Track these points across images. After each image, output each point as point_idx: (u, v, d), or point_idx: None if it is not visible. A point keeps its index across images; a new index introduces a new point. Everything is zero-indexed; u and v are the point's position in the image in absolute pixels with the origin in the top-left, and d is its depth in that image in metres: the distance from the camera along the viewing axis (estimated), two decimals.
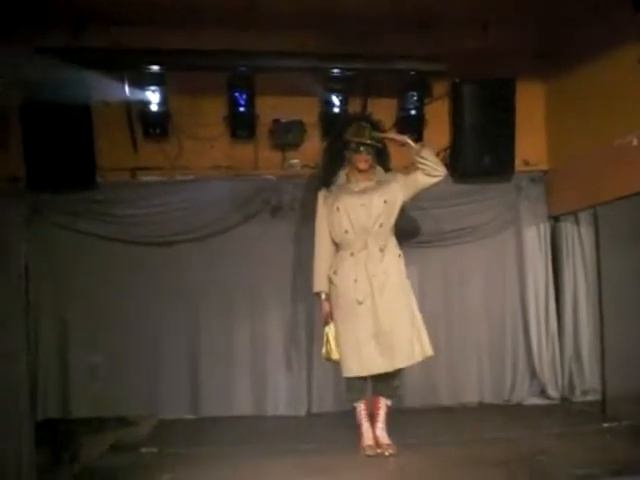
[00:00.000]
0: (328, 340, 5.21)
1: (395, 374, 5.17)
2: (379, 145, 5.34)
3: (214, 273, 7.03)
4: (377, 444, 5.19)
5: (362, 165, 5.27)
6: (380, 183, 5.25)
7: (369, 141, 5.28)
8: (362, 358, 5.04)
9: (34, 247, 6.68)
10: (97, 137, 6.65)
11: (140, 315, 6.92)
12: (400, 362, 5.11)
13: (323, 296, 5.30)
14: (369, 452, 5.13)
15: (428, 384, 7.03)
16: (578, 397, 7.24)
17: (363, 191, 5.23)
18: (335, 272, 5.18)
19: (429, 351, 5.22)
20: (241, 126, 6.89)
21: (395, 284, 5.12)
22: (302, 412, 6.99)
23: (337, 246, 5.26)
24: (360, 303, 5.04)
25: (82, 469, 4.96)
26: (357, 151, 5.27)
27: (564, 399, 7.27)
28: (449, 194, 6.97)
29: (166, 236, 6.97)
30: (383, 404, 5.24)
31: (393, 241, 5.26)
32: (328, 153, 5.58)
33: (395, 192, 5.20)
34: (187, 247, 7.01)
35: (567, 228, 7.40)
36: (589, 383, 7.22)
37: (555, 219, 7.43)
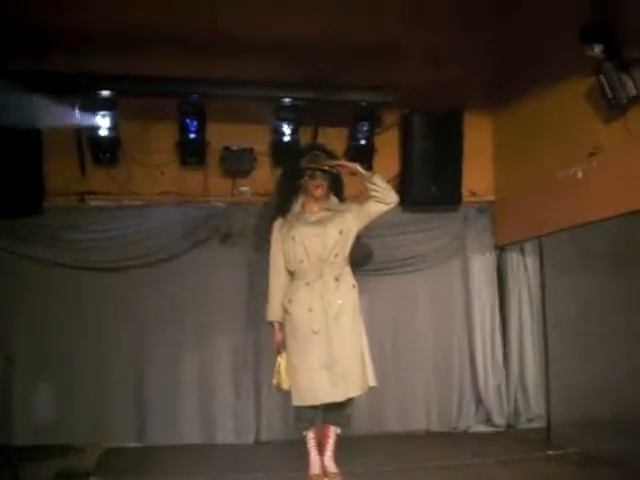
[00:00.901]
0: (279, 370, 5.19)
1: (347, 403, 5.16)
2: (333, 171, 5.36)
3: (162, 299, 6.98)
4: (324, 473, 5.17)
5: (317, 192, 5.27)
6: (335, 213, 5.27)
7: (324, 167, 5.31)
8: (314, 387, 5.02)
9: None
10: (45, 161, 6.59)
11: (86, 341, 6.82)
12: (353, 391, 5.10)
13: (276, 325, 5.28)
14: None
15: (375, 411, 7.04)
16: (523, 424, 7.33)
17: (318, 221, 5.24)
18: (290, 301, 5.16)
19: (372, 382, 5.23)
20: (191, 153, 6.89)
21: (349, 314, 5.12)
22: (250, 440, 6.96)
23: (292, 275, 5.26)
24: (315, 333, 5.03)
25: None
26: (312, 177, 5.27)
27: (510, 426, 7.35)
28: (397, 223, 7.03)
29: (114, 262, 6.91)
30: (333, 433, 5.22)
31: (348, 271, 5.27)
32: (283, 182, 5.58)
33: (350, 222, 5.22)
34: (135, 273, 6.95)
35: (513, 258, 7.53)
36: (534, 410, 7.32)
37: (501, 249, 7.55)
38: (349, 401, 5.15)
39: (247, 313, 6.94)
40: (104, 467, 5.88)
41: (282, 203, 5.42)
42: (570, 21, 5.70)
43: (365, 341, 5.23)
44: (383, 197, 5.19)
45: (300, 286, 5.15)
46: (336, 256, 5.15)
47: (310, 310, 5.06)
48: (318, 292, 5.09)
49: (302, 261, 5.15)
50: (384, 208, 5.22)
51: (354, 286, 5.24)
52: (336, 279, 5.14)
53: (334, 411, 5.16)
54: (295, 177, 5.37)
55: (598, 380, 6.06)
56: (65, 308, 6.82)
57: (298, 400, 5.08)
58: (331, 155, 5.49)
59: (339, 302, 5.10)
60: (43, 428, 6.59)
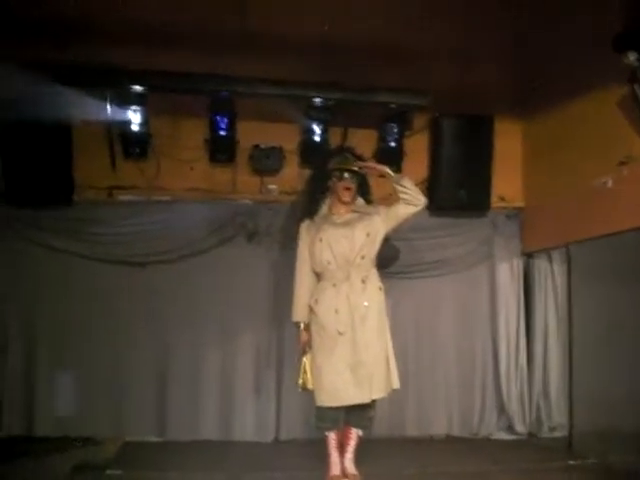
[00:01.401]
0: (305, 370, 5.19)
1: (370, 405, 5.16)
2: (362, 173, 5.37)
3: (186, 295, 7.00)
4: (344, 474, 5.17)
5: (345, 194, 5.28)
6: (362, 215, 5.27)
7: (353, 168, 5.31)
8: (338, 388, 5.02)
9: (6, 262, 6.65)
10: (76, 155, 6.61)
11: (109, 335, 6.85)
12: (376, 393, 5.10)
13: (302, 326, 5.28)
14: None
15: (397, 415, 7.03)
16: (545, 433, 7.26)
17: (345, 223, 5.24)
18: (316, 301, 5.17)
19: (396, 384, 5.22)
20: (221, 150, 6.91)
21: (375, 316, 5.12)
22: (269, 439, 6.96)
23: (319, 276, 5.26)
24: (341, 334, 5.03)
25: None
26: (341, 178, 5.28)
27: (531, 435, 7.29)
28: (425, 227, 7.00)
29: (140, 256, 6.93)
30: (355, 434, 5.22)
31: (375, 273, 5.27)
32: (312, 183, 5.60)
33: (377, 225, 5.21)
34: (161, 268, 6.97)
35: (540, 265, 7.47)
36: (556, 419, 7.24)
37: (529, 256, 7.50)
38: (372, 403, 5.16)
39: (271, 312, 6.94)
40: (122, 460, 5.93)
41: (310, 204, 5.43)
42: (603, 29, 5.66)
43: (390, 344, 5.23)
44: (411, 199, 5.18)
45: (327, 287, 5.16)
46: (363, 258, 5.15)
47: (336, 311, 5.07)
48: (345, 293, 5.10)
49: (329, 262, 5.15)
50: (412, 210, 5.21)
51: (380, 288, 5.24)
52: (363, 281, 5.14)
53: (357, 413, 5.15)
54: (324, 178, 5.38)
55: (622, 391, 6.01)
56: (89, 301, 6.85)
57: (321, 400, 5.08)
58: (359, 157, 5.50)
59: (365, 304, 5.10)
60: (64, 420, 6.64)
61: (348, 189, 5.31)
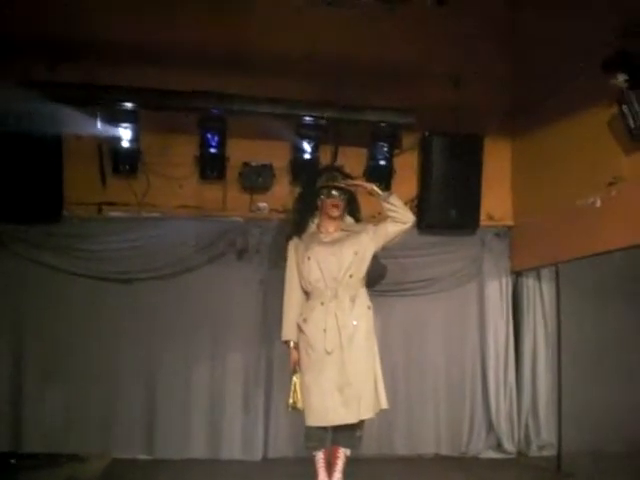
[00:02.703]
0: (295, 389, 5.17)
1: (358, 425, 5.13)
2: (350, 190, 5.37)
3: (175, 312, 6.98)
4: None
5: (334, 211, 5.27)
6: (350, 234, 5.26)
7: (341, 186, 5.31)
8: (326, 408, 5.00)
9: None
10: (66, 171, 6.60)
11: (97, 351, 6.83)
12: (364, 413, 5.08)
13: (292, 344, 5.27)
14: None
15: (385, 434, 7.03)
16: (534, 452, 7.27)
17: (334, 241, 5.24)
18: (305, 320, 5.15)
19: (384, 404, 5.21)
20: (211, 167, 6.90)
21: (363, 336, 5.10)
22: (258, 457, 6.94)
23: (307, 295, 5.25)
24: (329, 353, 5.02)
25: None
26: (329, 196, 5.28)
27: (520, 453, 7.29)
28: (414, 245, 7.01)
29: (129, 273, 6.93)
30: (342, 454, 5.18)
31: (363, 292, 5.26)
32: (300, 201, 5.59)
33: (365, 243, 5.21)
34: (150, 285, 6.96)
35: (529, 284, 7.50)
36: (545, 438, 7.27)
37: (517, 274, 7.53)
38: (360, 423, 5.12)
39: (260, 330, 6.94)
40: (109, 477, 5.90)
41: (299, 222, 5.42)
42: (592, 50, 5.70)
43: (378, 363, 5.21)
44: (400, 217, 5.18)
45: (315, 306, 5.14)
46: (351, 277, 5.14)
47: (324, 330, 5.05)
48: (333, 312, 5.07)
49: (317, 281, 5.14)
50: (401, 228, 5.21)
51: (369, 307, 5.22)
52: (351, 300, 5.13)
53: (344, 432, 5.13)
54: (312, 197, 5.38)
55: (611, 410, 6.02)
56: (78, 317, 6.83)
57: (310, 420, 5.06)
58: (348, 176, 5.51)
59: (354, 323, 5.08)
60: (51, 436, 6.61)
61: (336, 206, 5.31)
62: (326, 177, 5.40)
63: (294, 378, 5.18)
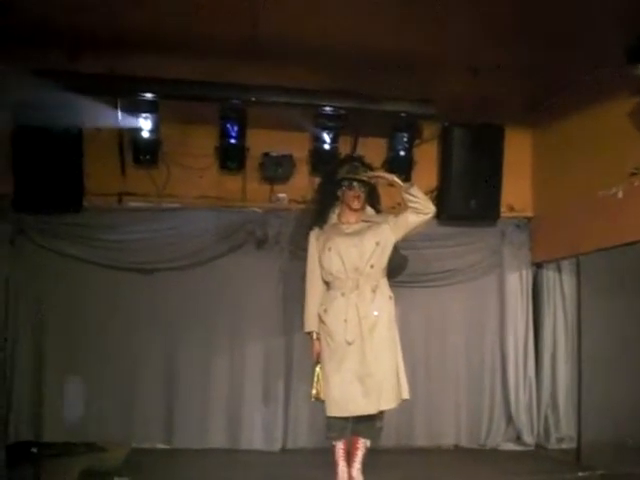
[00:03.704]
0: (318, 380, 5.17)
1: (378, 416, 5.12)
2: (371, 182, 5.36)
3: (195, 303, 7.01)
4: None
5: (355, 203, 5.25)
6: (371, 225, 5.25)
7: (362, 178, 5.30)
8: (346, 398, 4.99)
9: (16, 267, 6.67)
10: (86, 161, 6.64)
11: (118, 341, 6.87)
12: (385, 404, 5.06)
13: (314, 335, 5.26)
14: None
15: (405, 425, 7.02)
16: (553, 444, 7.25)
17: (355, 232, 5.22)
18: (325, 311, 5.14)
19: (406, 394, 5.20)
20: (231, 158, 6.91)
21: (384, 326, 5.09)
22: (277, 447, 6.96)
23: (328, 285, 5.24)
24: (349, 344, 5.01)
25: None
26: (350, 187, 5.27)
27: (539, 446, 7.27)
28: (434, 236, 6.99)
29: (149, 263, 6.95)
30: (362, 445, 5.18)
31: (385, 282, 5.24)
32: (321, 192, 5.58)
33: (386, 233, 5.19)
34: (170, 275, 6.99)
35: (549, 275, 7.47)
36: (565, 431, 7.24)
37: (538, 266, 7.49)
38: (380, 414, 5.12)
39: (280, 320, 6.95)
40: (130, 467, 5.91)
41: (319, 213, 5.41)
42: (615, 39, 5.65)
43: (400, 354, 5.19)
44: (421, 208, 5.15)
45: (336, 296, 5.13)
46: (372, 267, 5.12)
47: (345, 321, 5.04)
48: (354, 303, 5.06)
49: (338, 272, 5.13)
50: (422, 219, 5.18)
51: (390, 297, 5.20)
52: (372, 290, 5.11)
53: (365, 423, 5.12)
54: (333, 188, 5.37)
55: (630, 402, 6.01)
56: (98, 307, 6.87)
57: (330, 410, 5.06)
58: (369, 167, 5.49)
59: (375, 313, 5.07)
60: (72, 426, 6.65)
61: (357, 197, 5.29)
62: (347, 168, 5.37)
63: (317, 369, 5.18)
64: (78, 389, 6.73)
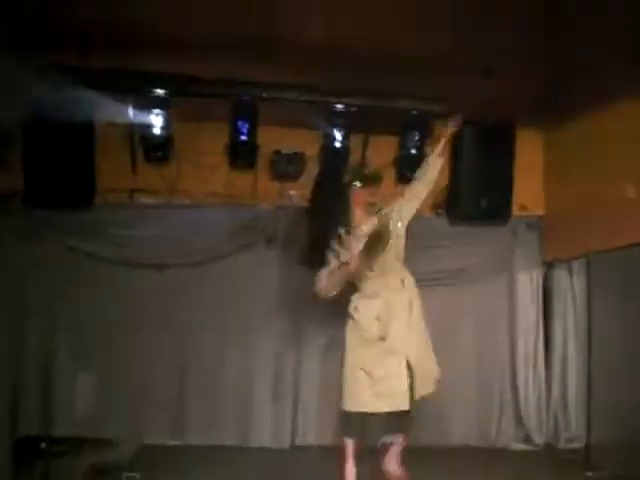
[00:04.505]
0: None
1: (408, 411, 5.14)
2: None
3: (206, 299, 7.03)
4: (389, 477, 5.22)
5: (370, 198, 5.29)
6: (382, 218, 5.24)
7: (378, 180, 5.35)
8: (362, 394, 5.01)
9: (27, 263, 6.69)
10: (98, 157, 6.64)
11: (129, 337, 6.88)
12: (401, 404, 5.04)
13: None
14: None
15: (414, 424, 7.00)
16: (563, 444, 7.22)
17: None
18: (356, 308, 5.18)
19: (438, 374, 5.28)
20: (242, 155, 6.91)
21: (418, 317, 5.16)
22: (286, 444, 6.97)
23: (356, 287, 5.26)
24: (381, 339, 5.04)
25: None
26: (364, 185, 5.30)
27: (548, 445, 7.25)
28: (445, 235, 7.00)
29: (160, 259, 6.96)
30: (399, 439, 5.22)
31: (409, 276, 5.30)
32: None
33: (396, 223, 5.22)
34: (181, 272, 7.00)
35: (560, 275, 7.43)
36: (574, 430, 7.21)
37: (549, 265, 7.46)
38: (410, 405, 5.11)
39: (290, 317, 6.94)
40: (139, 463, 5.93)
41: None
42: (628, 37, 5.63)
43: (430, 344, 5.27)
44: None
45: (366, 295, 5.17)
46: (397, 259, 5.17)
47: (377, 318, 5.06)
48: (385, 299, 5.10)
49: (366, 275, 5.14)
50: (429, 188, 5.33)
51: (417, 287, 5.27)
52: (402, 282, 5.16)
53: (396, 418, 5.13)
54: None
55: None
56: (109, 303, 6.89)
57: (345, 405, 5.07)
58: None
59: (407, 305, 5.12)
60: (82, 421, 6.66)
61: (368, 198, 5.30)
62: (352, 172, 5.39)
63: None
64: (88, 385, 6.74)
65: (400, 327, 5.08)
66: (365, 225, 5.23)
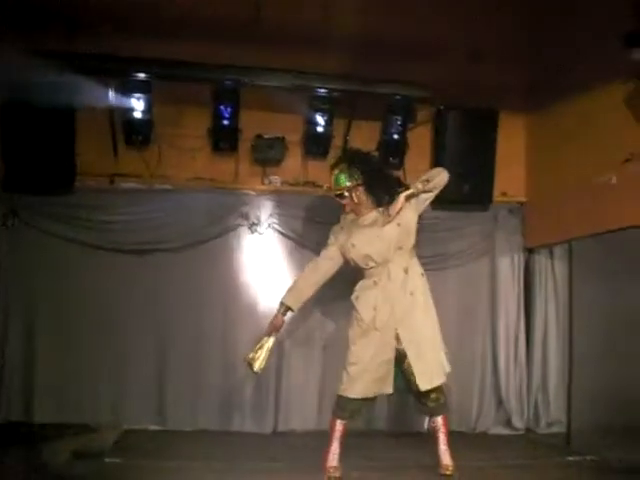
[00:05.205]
0: (262, 347, 5.25)
1: (435, 390, 5.20)
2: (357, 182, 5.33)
3: (187, 284, 7.00)
4: (440, 466, 5.26)
5: (346, 208, 5.33)
6: (387, 209, 5.23)
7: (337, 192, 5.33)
8: (362, 380, 5.06)
9: (7, 248, 6.66)
10: (78, 141, 6.57)
11: (110, 322, 6.84)
12: (436, 380, 5.18)
13: (282, 310, 5.32)
14: (333, 474, 5.10)
15: (396, 408, 7.02)
16: (543, 429, 7.30)
17: (373, 222, 5.25)
18: (357, 297, 5.21)
19: (448, 367, 5.29)
20: (224, 139, 6.86)
21: (420, 306, 5.17)
22: (268, 429, 6.96)
23: (359, 274, 5.29)
24: (377, 330, 5.05)
25: (44, 476, 4.88)
26: (341, 197, 5.32)
27: (529, 430, 7.31)
28: (426, 220, 6.94)
29: (141, 244, 6.91)
30: (439, 424, 5.28)
31: (416, 261, 5.30)
32: None
33: (405, 213, 5.21)
34: (162, 257, 6.96)
35: (541, 261, 7.47)
36: (555, 415, 7.27)
37: (530, 251, 7.49)
38: (437, 388, 5.20)
39: (271, 302, 6.88)
40: (121, 448, 5.92)
41: None
42: (610, 25, 5.64)
43: (437, 326, 5.29)
44: (440, 185, 5.33)
45: (368, 285, 5.20)
46: (400, 249, 5.16)
47: (375, 309, 5.08)
48: (387, 290, 5.13)
49: (368, 264, 5.16)
50: (440, 188, 5.33)
51: (423, 275, 5.30)
52: (405, 271, 5.15)
53: (429, 402, 5.24)
54: None
55: (621, 388, 6.02)
56: (89, 288, 6.83)
57: (345, 390, 5.11)
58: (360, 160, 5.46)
59: (410, 295, 5.14)
60: (63, 407, 6.65)
61: (346, 204, 5.32)
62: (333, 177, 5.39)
63: (265, 338, 5.26)
64: (69, 370, 6.72)
65: (399, 316, 5.10)
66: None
